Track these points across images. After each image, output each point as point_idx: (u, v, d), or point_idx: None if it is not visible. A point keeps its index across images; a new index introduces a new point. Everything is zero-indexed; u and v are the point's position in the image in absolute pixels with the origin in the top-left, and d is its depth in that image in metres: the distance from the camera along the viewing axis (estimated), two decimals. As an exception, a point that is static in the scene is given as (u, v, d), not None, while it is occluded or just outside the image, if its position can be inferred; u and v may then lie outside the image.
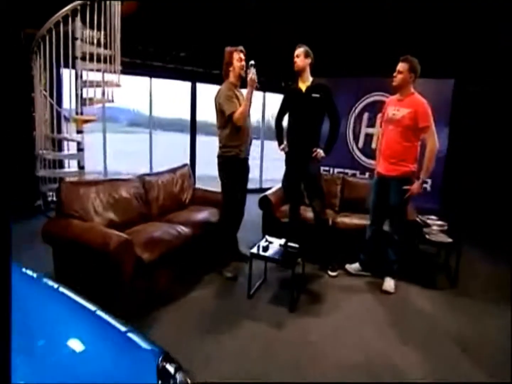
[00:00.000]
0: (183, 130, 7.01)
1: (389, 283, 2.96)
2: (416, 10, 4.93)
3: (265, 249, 2.69)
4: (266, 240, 2.81)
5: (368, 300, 2.80)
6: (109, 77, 3.78)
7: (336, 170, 6.15)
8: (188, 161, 6.27)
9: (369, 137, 5.63)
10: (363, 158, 5.68)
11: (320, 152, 3.02)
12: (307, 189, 3.16)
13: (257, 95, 6.65)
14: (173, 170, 3.60)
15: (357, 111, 5.68)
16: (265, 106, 6.76)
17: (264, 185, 7.33)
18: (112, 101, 3.87)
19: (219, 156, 2.93)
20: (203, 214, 3.23)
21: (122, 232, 2.55)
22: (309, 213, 3.31)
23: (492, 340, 2.34)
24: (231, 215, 2.98)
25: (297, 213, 3.29)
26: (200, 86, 6.13)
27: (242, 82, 2.92)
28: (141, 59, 5.43)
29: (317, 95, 2.94)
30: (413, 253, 3.37)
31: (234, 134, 2.83)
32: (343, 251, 3.41)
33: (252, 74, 2.65)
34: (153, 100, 6.02)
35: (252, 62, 2.70)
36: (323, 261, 3.28)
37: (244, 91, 2.90)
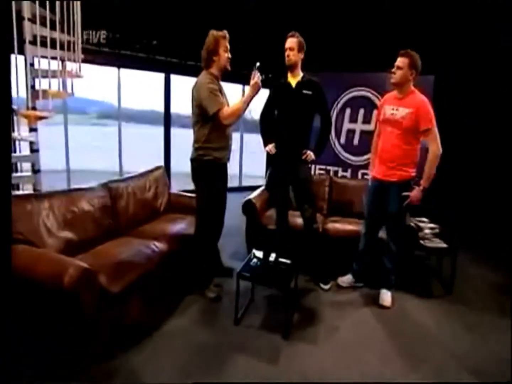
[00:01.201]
0: (156, 122, 6.40)
1: (386, 297, 2.68)
2: (396, 4, 4.66)
3: (254, 268, 2.31)
4: (254, 256, 2.42)
5: (366, 318, 2.50)
6: (68, 66, 3.19)
7: (317, 166, 5.89)
8: (162, 155, 5.78)
9: (351, 133, 5.36)
10: (345, 154, 5.39)
11: (311, 154, 2.68)
12: (297, 194, 2.80)
13: (237, 88, 6.20)
14: (145, 174, 3.10)
15: (339, 106, 5.37)
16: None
17: (244, 183, 6.93)
18: (72, 94, 3.29)
19: (194, 159, 2.44)
20: (180, 225, 2.79)
21: (84, 253, 2.09)
22: (297, 219, 2.97)
23: (497, 359, 2.12)
24: (208, 228, 2.52)
25: (286, 220, 2.93)
26: (175, 78, 5.58)
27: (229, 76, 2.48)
28: (108, 47, 4.79)
29: (309, 92, 2.58)
30: (408, 261, 3.11)
31: (216, 134, 2.37)
32: (335, 260, 3.09)
33: (257, 77, 2.25)
34: (124, 91, 5.44)
35: (257, 64, 2.28)
36: (314, 272, 2.95)
37: (226, 85, 2.48)
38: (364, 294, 2.82)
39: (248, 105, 2.33)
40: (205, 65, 2.40)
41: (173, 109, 5.88)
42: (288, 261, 2.38)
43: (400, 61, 2.45)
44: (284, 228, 2.91)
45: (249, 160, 7.25)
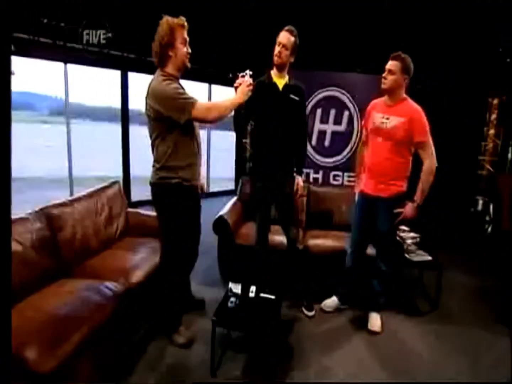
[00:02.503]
0: (115, 119, 5.70)
1: (375, 321, 2.41)
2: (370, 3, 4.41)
3: (231, 310, 1.90)
4: (231, 293, 2.01)
5: (357, 350, 2.20)
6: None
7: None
8: (120, 155, 5.07)
9: (322, 134, 5.09)
10: (316, 156, 5.11)
11: (300, 182, 2.37)
12: (282, 212, 2.43)
13: (203, 86, 5.66)
14: (96, 192, 2.54)
15: (309, 106, 5.06)
16: (211, 98, 5.81)
17: (212, 187, 6.44)
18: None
19: (155, 184, 1.92)
20: (141, 254, 2.30)
21: (10, 308, 1.54)
22: (277, 237, 2.61)
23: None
24: (176, 266, 2.04)
25: (267, 239, 2.52)
26: (132, 75, 4.93)
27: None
28: (50, 37, 4.03)
29: (296, 98, 2.21)
30: (396, 278, 2.87)
31: (182, 148, 1.88)
32: (318, 280, 2.77)
33: (248, 84, 1.94)
34: (79, 86, 4.84)
35: (249, 72, 1.96)
36: (296, 296, 2.60)
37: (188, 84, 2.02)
38: (352, 319, 2.53)
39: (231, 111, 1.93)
40: (159, 62, 1.88)
41: (133, 106, 5.20)
42: (271, 296, 1.99)
43: (392, 64, 2.13)
44: (266, 249, 2.51)
45: (215, 160, 6.71)
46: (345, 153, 5.28)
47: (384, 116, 2.21)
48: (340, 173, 5.33)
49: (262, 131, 2.31)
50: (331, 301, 2.61)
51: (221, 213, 2.87)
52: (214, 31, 4.52)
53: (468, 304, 2.84)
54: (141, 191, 4.65)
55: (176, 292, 2.07)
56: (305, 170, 4.96)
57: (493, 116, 5.49)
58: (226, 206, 3.09)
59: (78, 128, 4.91)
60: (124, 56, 4.59)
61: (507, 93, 5.28)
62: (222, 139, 8.89)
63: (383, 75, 2.16)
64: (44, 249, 1.93)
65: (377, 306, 2.45)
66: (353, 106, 4.88)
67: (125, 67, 4.75)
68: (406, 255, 2.78)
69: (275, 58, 2.17)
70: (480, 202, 5.56)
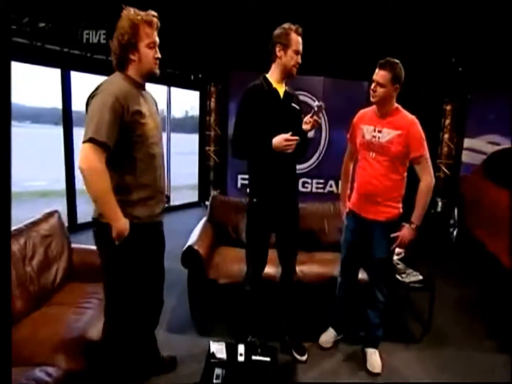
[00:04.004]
0: (60, 122, 4.79)
1: (374, 360, 2.08)
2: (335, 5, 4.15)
3: (218, 377, 1.42)
4: (214, 358, 1.52)
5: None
6: None
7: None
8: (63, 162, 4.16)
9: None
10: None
11: None
12: (284, 241, 1.99)
13: (161, 89, 5.00)
14: (26, 230, 1.86)
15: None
16: (170, 101, 5.20)
17: (173, 199, 5.75)
18: None
19: (98, 223, 1.41)
20: (89, 310, 1.70)
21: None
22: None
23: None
24: (130, 329, 1.50)
25: (261, 276, 2.02)
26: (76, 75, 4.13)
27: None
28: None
29: (297, 107, 1.85)
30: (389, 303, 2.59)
31: (138, 172, 1.39)
32: (306, 314, 2.38)
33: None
34: (15, 85, 3.69)
35: (321, 103, 1.75)
36: (286, 335, 2.17)
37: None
38: (348, 355, 2.18)
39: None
40: (118, 65, 1.39)
41: (79, 107, 4.35)
42: (266, 358, 1.54)
43: (381, 76, 1.82)
44: (258, 290, 2.04)
45: (176, 165, 6.01)
46: (313, 159, 5.02)
47: (376, 128, 1.91)
48: (309, 180, 5.06)
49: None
50: (328, 335, 2.25)
51: (190, 242, 2.34)
52: (175, 28, 3.93)
53: (454, 318, 2.69)
54: (89, 209, 3.90)
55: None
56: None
57: (447, 121, 5.61)
58: (195, 231, 2.57)
59: (14, 132, 3.95)
60: (65, 51, 3.79)
61: (459, 99, 5.43)
62: (185, 142, 8.21)
63: (372, 87, 1.85)
64: None
65: (376, 341, 2.13)
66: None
67: (65, 65, 3.94)
68: (398, 277, 2.50)
69: (293, 68, 1.79)
70: (440, 204, 5.67)
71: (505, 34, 4.24)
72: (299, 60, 1.77)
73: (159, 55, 1.41)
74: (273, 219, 1.89)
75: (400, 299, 2.68)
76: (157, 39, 1.40)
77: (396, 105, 1.91)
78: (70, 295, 1.84)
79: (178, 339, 2.20)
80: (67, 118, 4.16)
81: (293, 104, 1.85)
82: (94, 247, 2.10)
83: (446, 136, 5.63)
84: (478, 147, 5.41)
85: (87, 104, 1.35)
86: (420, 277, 2.53)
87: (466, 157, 5.49)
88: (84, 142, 1.27)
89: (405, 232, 1.93)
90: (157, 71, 1.43)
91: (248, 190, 1.91)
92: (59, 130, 4.42)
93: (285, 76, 1.81)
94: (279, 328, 2.19)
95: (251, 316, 2.04)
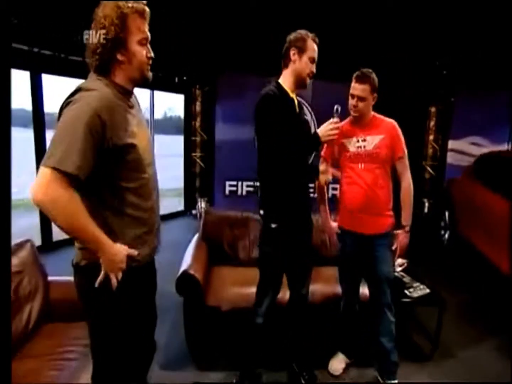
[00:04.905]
0: (29, 124, 4.35)
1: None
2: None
3: None
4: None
5: None
6: None
7: (245, 183, 5.02)
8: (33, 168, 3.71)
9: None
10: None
11: None
12: (296, 264, 1.79)
13: (143, 93, 4.66)
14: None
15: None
16: (153, 106, 4.87)
17: (162, 209, 5.39)
18: None
19: (81, 268, 1.12)
20: (70, 362, 1.42)
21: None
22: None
23: None
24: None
25: (273, 307, 1.78)
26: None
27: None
28: None
29: (307, 118, 1.65)
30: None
31: (126, 206, 1.11)
32: (312, 338, 2.19)
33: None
34: None
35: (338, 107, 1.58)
36: (293, 365, 1.98)
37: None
38: None
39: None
40: (99, 68, 1.08)
41: (50, 108, 3.92)
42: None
43: (361, 90, 1.75)
44: (269, 321, 1.80)
45: (161, 169, 5.66)
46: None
47: (359, 139, 1.83)
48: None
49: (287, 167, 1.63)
50: (339, 361, 2.08)
51: (184, 266, 2.09)
52: (158, 27, 3.62)
53: (458, 329, 2.59)
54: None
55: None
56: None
57: (432, 123, 5.63)
58: (188, 252, 2.32)
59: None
60: (35, 52, 3.39)
61: (443, 101, 5.46)
62: (166, 144, 7.83)
63: (353, 103, 1.77)
64: None
65: (393, 369, 1.96)
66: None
67: (35, 67, 3.53)
68: (406, 291, 2.37)
69: (307, 76, 1.62)
70: (427, 204, 5.68)
71: (488, 37, 4.27)
72: (314, 70, 1.60)
73: (152, 54, 1.14)
74: (291, 244, 1.69)
75: (406, 315, 2.56)
76: (149, 34, 1.12)
77: (372, 112, 1.86)
78: (48, 342, 1.55)
79: (173, 377, 1.95)
80: (38, 121, 3.75)
81: (306, 116, 1.71)
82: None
83: (431, 137, 5.66)
84: (462, 149, 5.47)
85: (60, 115, 1.04)
86: (427, 291, 2.41)
87: (450, 158, 5.54)
88: (44, 166, 0.95)
89: (402, 238, 1.88)
90: (150, 74, 1.16)
91: (262, 212, 1.68)
92: (29, 133, 3.98)
93: (298, 86, 1.64)
94: (286, 356, 2.00)
95: (260, 348, 1.83)
